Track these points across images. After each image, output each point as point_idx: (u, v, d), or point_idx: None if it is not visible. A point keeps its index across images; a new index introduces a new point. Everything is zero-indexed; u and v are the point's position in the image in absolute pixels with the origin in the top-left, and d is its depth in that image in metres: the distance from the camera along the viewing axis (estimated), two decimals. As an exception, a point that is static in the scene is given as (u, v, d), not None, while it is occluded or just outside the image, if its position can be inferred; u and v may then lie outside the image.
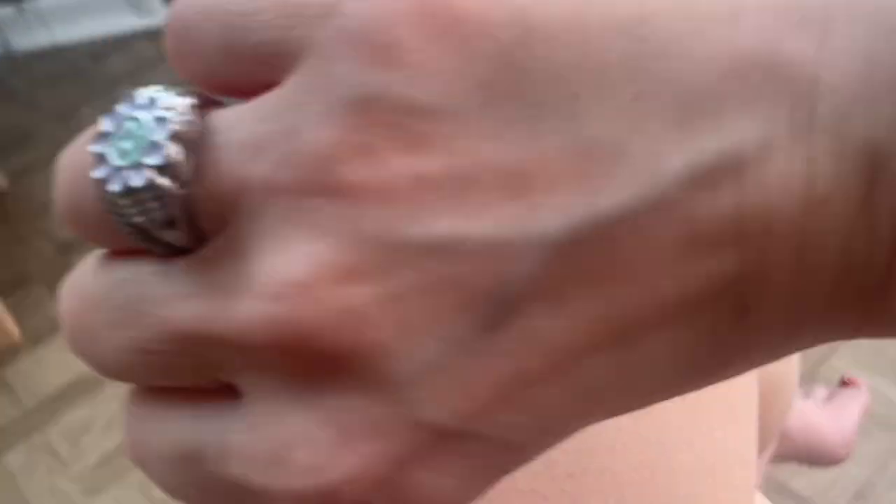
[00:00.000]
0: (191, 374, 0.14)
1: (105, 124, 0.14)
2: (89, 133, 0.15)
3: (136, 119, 0.14)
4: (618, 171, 0.13)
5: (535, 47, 0.13)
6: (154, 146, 0.14)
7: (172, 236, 0.14)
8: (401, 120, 0.13)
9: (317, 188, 0.13)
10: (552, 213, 0.13)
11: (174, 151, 0.13)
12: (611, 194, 0.12)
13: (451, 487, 0.14)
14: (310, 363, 0.13)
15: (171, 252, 0.14)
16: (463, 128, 0.13)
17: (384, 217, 0.13)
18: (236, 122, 0.14)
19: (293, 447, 0.13)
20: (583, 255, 0.13)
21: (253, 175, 0.13)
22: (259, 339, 0.13)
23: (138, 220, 0.14)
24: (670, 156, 0.12)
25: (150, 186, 0.13)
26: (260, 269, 0.13)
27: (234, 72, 0.14)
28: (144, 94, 0.14)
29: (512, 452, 0.14)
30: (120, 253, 0.15)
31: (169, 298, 0.14)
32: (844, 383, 1.04)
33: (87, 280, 0.15)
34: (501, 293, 0.13)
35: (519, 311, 0.13)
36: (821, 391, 1.01)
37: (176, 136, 0.14)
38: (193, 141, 0.14)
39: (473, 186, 0.13)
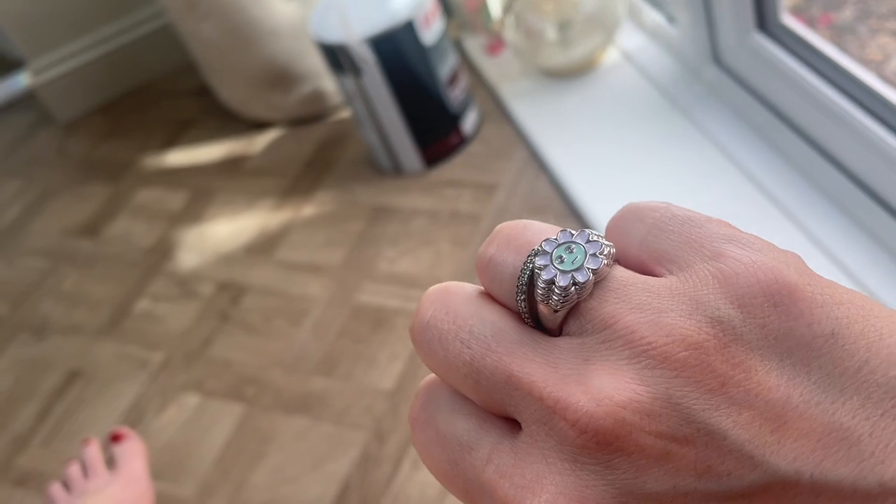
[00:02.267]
0: (493, 401, 0.19)
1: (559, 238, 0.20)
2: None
3: (578, 247, 0.19)
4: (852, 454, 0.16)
5: None
6: (584, 269, 0.19)
7: (548, 320, 0.19)
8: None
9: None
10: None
11: (590, 280, 0.19)
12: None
13: None
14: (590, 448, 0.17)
15: (533, 325, 0.20)
16: None
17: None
18: (633, 290, 0.18)
19: (538, 490, 0.17)
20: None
21: (622, 333, 0.18)
22: (573, 419, 0.17)
23: (540, 298, 0.19)
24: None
25: (565, 290, 0.19)
26: (598, 380, 0.17)
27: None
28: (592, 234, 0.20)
29: None
30: (493, 299, 0.20)
31: (517, 350, 0.19)
32: (115, 438, 0.98)
33: (460, 298, 0.20)
34: None
35: None
36: None
37: (596, 272, 0.19)
38: (601, 278, 0.19)
39: None
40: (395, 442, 1.02)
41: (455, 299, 0.20)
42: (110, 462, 0.97)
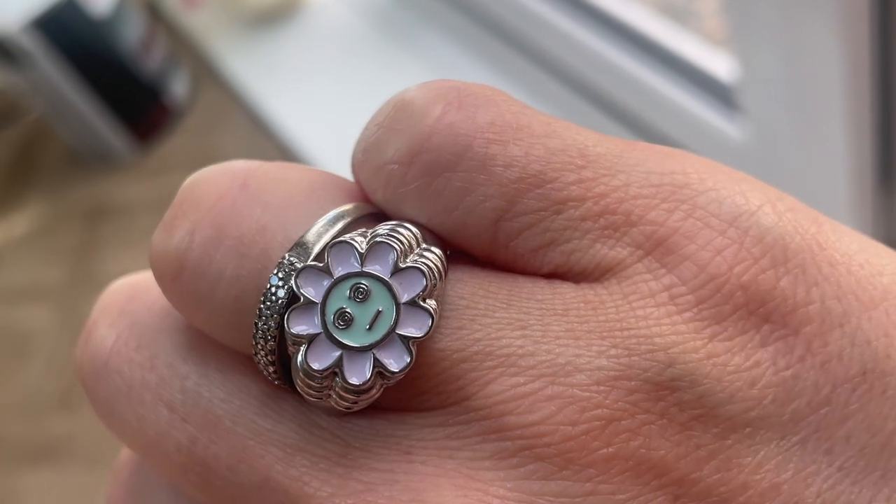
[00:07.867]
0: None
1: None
2: None
3: (377, 287, 0.10)
4: None
5: None
6: (395, 344, 0.10)
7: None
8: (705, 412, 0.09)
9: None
10: None
11: (407, 365, 0.10)
12: None
13: None
14: None
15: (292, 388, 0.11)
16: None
17: None
18: (495, 319, 0.10)
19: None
20: None
21: (480, 406, 0.09)
22: None
23: (304, 390, 0.10)
24: None
25: (357, 390, 0.10)
26: (436, 497, 0.09)
27: (491, 234, 0.10)
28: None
29: None
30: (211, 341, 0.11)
31: (275, 430, 0.10)
32: None
33: (162, 319, 0.11)
34: None
35: None
36: None
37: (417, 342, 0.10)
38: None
39: None
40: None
41: (153, 320, 0.11)
42: None
